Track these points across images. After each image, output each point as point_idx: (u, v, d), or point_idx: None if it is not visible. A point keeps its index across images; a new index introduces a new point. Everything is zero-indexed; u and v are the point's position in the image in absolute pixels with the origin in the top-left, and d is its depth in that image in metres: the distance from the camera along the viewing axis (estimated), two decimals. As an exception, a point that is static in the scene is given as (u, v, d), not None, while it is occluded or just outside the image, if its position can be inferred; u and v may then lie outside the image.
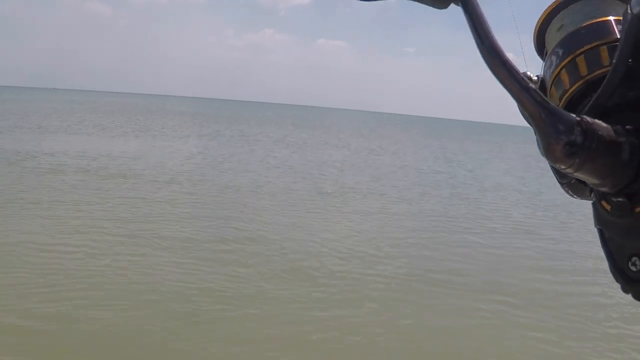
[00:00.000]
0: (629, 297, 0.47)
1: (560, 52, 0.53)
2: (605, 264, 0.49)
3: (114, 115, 40.54)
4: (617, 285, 0.48)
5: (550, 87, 0.53)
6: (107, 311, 5.15)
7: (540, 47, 0.57)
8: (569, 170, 0.45)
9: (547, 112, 0.44)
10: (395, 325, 5.45)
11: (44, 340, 4.58)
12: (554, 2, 0.56)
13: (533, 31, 0.57)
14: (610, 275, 0.48)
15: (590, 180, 0.46)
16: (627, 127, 0.47)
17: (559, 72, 0.52)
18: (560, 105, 0.52)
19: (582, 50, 0.51)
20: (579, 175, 0.45)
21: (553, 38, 0.55)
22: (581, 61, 0.51)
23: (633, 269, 0.46)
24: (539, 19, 0.56)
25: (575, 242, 9.64)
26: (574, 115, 0.44)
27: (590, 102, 0.49)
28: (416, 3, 0.52)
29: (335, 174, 16.41)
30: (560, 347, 5.24)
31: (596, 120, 0.45)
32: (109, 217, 8.59)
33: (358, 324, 5.33)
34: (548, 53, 0.55)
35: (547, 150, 0.44)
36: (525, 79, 0.45)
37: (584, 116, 0.45)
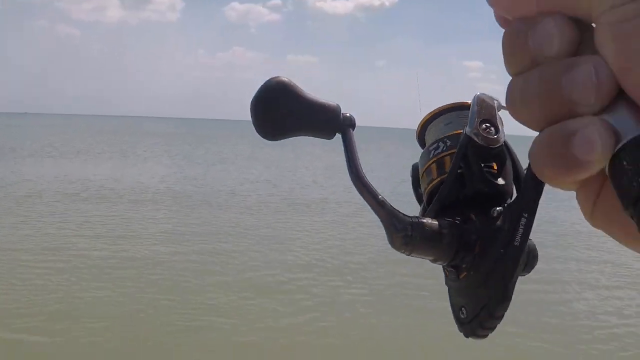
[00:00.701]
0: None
1: (433, 150, 0.66)
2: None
3: (88, 138, 40.36)
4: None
5: (422, 174, 0.67)
6: (93, 327, 5.37)
7: (421, 141, 0.70)
8: (406, 254, 0.60)
9: (390, 214, 0.59)
10: (372, 336, 5.68)
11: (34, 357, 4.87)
12: (436, 108, 0.68)
13: (417, 127, 0.71)
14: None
15: (424, 259, 0.61)
16: (457, 219, 0.61)
17: (430, 164, 0.66)
18: (425, 191, 0.66)
19: (448, 152, 0.64)
20: (414, 256, 0.60)
21: (431, 137, 0.68)
22: (447, 160, 0.64)
23: (462, 316, 0.60)
24: (423, 119, 0.70)
25: (553, 247, 9.57)
26: (409, 217, 0.59)
27: (436, 196, 0.63)
28: (308, 137, 0.67)
29: (310, 186, 16.81)
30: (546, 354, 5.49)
31: (423, 220, 0.59)
32: (92, 234, 8.85)
33: (334, 333, 5.58)
34: (426, 147, 0.68)
35: (390, 240, 0.59)
36: (377, 192, 0.61)
37: (415, 217, 0.60)
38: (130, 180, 16.33)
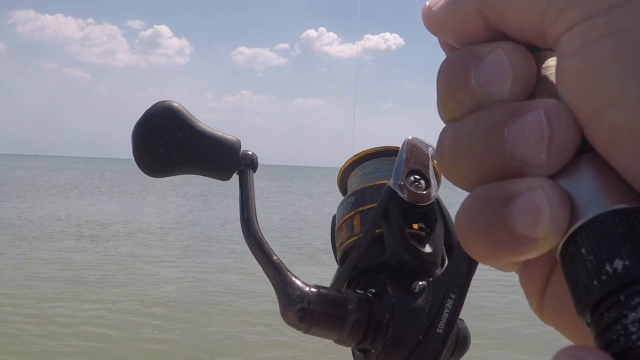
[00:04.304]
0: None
1: (346, 205, 0.55)
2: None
3: (95, 179, 40.62)
4: None
5: (339, 227, 0.56)
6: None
7: (343, 189, 0.60)
8: (301, 331, 0.48)
9: (283, 281, 0.48)
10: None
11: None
12: (355, 155, 0.58)
13: (337, 175, 0.60)
14: None
15: (324, 338, 0.50)
16: (370, 290, 0.50)
17: (347, 218, 0.55)
18: (339, 249, 0.55)
19: (359, 210, 0.53)
20: (311, 334, 0.49)
21: (353, 185, 0.58)
22: (357, 220, 0.53)
23: None
24: (345, 163, 0.59)
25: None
26: (308, 285, 0.48)
27: (346, 262, 0.51)
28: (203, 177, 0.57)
29: (311, 230, 16.81)
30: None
31: (326, 291, 0.49)
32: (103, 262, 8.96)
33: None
34: (345, 196, 0.57)
35: (283, 313, 0.48)
36: (271, 251, 0.50)
37: (316, 286, 0.49)
38: (137, 220, 16.49)
